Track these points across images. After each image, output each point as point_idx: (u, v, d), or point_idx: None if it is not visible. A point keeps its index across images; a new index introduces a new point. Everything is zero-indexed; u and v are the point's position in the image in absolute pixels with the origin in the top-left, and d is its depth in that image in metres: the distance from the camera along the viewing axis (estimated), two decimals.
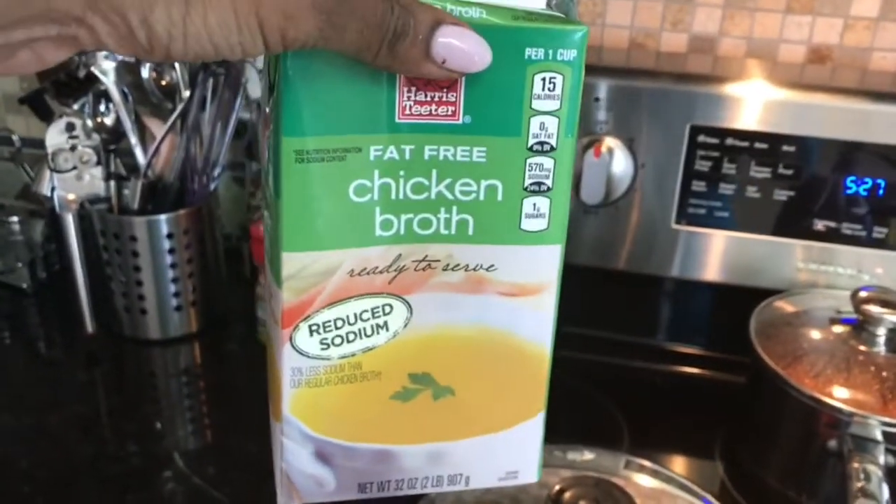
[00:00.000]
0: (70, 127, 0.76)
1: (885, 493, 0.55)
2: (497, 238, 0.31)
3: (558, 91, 0.29)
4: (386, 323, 0.32)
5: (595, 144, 0.73)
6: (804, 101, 0.72)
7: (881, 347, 0.63)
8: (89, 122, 0.77)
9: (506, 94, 0.29)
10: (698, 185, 0.75)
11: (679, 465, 0.71)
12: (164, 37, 0.24)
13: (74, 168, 0.77)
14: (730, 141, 0.73)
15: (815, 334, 0.66)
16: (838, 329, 0.66)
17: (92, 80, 0.76)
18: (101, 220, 0.79)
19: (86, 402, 0.77)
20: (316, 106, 0.28)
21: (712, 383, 0.81)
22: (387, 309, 0.31)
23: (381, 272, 0.31)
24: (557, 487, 0.41)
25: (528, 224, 0.31)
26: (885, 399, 0.59)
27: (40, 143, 0.76)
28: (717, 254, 0.77)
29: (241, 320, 0.86)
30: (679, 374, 0.83)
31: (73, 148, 0.76)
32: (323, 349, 0.31)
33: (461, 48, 0.27)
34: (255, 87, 0.81)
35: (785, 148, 0.72)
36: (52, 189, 0.77)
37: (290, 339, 0.31)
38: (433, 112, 0.29)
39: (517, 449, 0.35)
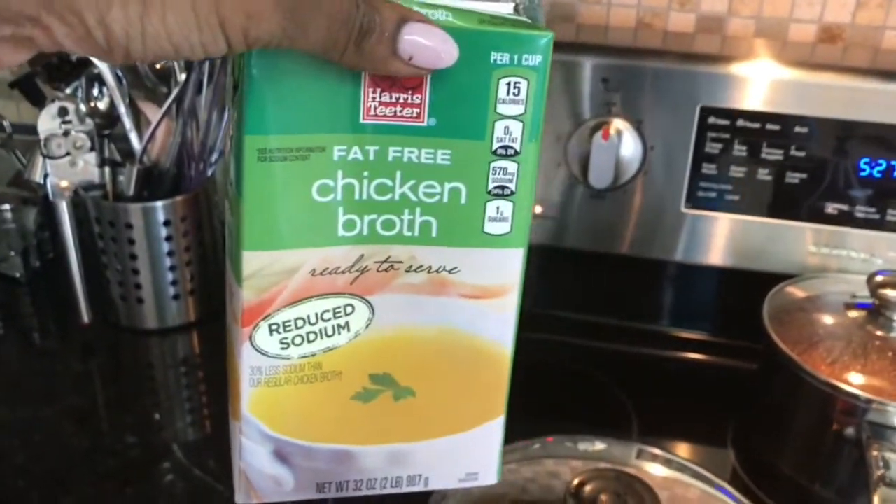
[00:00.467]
0: (63, 112, 0.74)
1: None
2: (460, 241, 0.31)
3: (523, 96, 0.29)
4: (347, 323, 0.32)
5: (603, 127, 0.72)
6: (816, 82, 0.71)
7: None
8: (82, 107, 0.75)
9: (471, 97, 0.29)
10: (708, 168, 0.73)
11: (689, 452, 0.70)
12: (121, 37, 0.24)
13: (68, 154, 0.75)
14: (741, 122, 0.72)
15: (830, 320, 0.65)
16: (854, 314, 0.64)
17: (85, 63, 0.74)
18: (96, 208, 0.78)
19: (82, 394, 0.75)
20: (280, 105, 0.28)
21: (721, 369, 0.80)
22: (348, 309, 0.31)
23: (343, 272, 0.31)
24: (577, 481, 0.40)
25: (492, 227, 0.31)
26: None
27: (32, 129, 0.74)
28: (726, 237, 0.76)
29: None
30: (687, 360, 0.81)
31: (66, 133, 0.75)
32: (283, 348, 0.31)
33: (428, 45, 0.27)
34: None
35: (797, 129, 0.71)
36: (45, 176, 0.75)
37: (250, 338, 0.31)
38: (398, 114, 0.29)
39: (477, 451, 0.35)
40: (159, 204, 0.77)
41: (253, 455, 0.33)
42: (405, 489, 0.35)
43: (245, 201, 0.29)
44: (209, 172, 0.80)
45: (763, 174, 0.73)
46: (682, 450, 0.70)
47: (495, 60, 0.28)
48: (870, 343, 0.61)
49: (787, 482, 0.66)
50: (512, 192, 0.31)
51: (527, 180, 0.31)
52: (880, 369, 0.59)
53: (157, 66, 0.78)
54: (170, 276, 0.80)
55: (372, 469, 0.34)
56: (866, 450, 0.56)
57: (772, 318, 0.66)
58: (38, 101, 0.76)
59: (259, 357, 0.31)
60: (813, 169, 0.72)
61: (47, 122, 0.74)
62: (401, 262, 0.31)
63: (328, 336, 0.31)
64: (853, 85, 0.71)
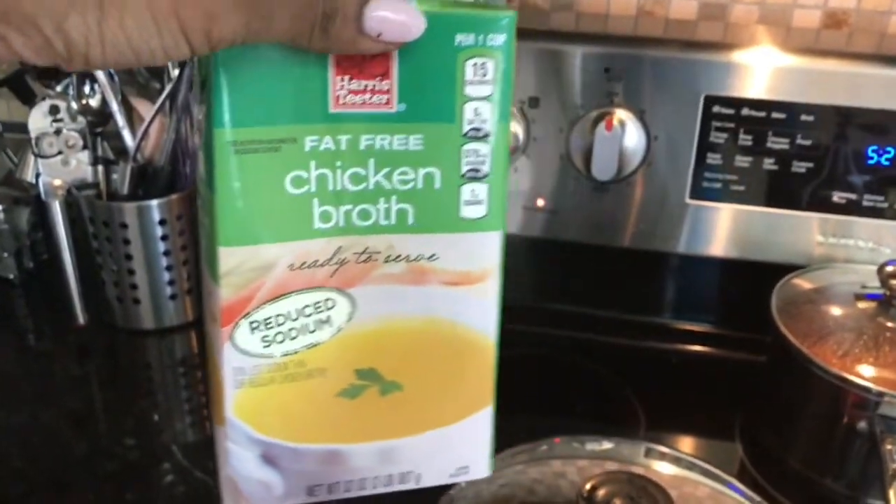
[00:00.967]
0: (54, 110, 0.73)
1: None
2: (437, 227, 0.31)
3: (490, 76, 0.29)
4: (329, 318, 0.31)
5: (606, 117, 0.70)
6: (822, 69, 0.70)
7: None
8: (74, 105, 0.74)
9: (439, 80, 0.29)
10: (713, 158, 0.72)
11: (697, 447, 0.69)
12: (80, 44, 0.24)
13: (60, 153, 0.74)
14: (745, 111, 0.70)
15: (840, 311, 0.64)
16: (864, 305, 0.63)
17: None
18: (90, 207, 0.76)
19: (79, 397, 0.74)
20: (248, 97, 0.28)
21: (727, 362, 0.79)
22: (329, 303, 0.31)
23: (321, 265, 0.30)
24: (589, 485, 0.39)
25: (468, 211, 0.31)
26: None
27: (23, 128, 0.73)
28: (731, 228, 0.75)
29: None
30: (692, 353, 0.80)
31: (57, 132, 0.73)
32: (265, 347, 0.31)
33: (395, 19, 0.27)
34: None
35: (803, 117, 0.70)
36: (37, 175, 0.74)
37: (231, 337, 0.30)
38: (367, 101, 0.29)
39: (467, 443, 0.34)
40: (154, 203, 0.76)
41: (240, 460, 0.32)
42: (397, 487, 0.34)
43: (218, 196, 0.29)
44: None
45: (769, 164, 0.72)
46: (690, 445, 0.69)
47: (460, 43, 0.29)
48: (881, 334, 0.60)
49: (796, 477, 0.65)
50: (486, 175, 0.31)
51: (500, 161, 0.31)
52: (893, 361, 0.58)
53: None
54: (166, 276, 0.78)
55: (362, 468, 0.34)
56: (880, 443, 0.55)
57: (780, 310, 0.64)
58: (29, 100, 0.75)
59: (241, 357, 0.31)
60: (819, 158, 0.71)
61: (38, 120, 0.73)
62: (379, 251, 0.31)
63: (310, 332, 0.31)
64: (859, 71, 0.69)
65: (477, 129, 0.30)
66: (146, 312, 0.79)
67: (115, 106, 0.75)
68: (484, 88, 0.29)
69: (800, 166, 0.71)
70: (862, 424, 0.58)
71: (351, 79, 0.28)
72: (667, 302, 0.83)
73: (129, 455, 0.66)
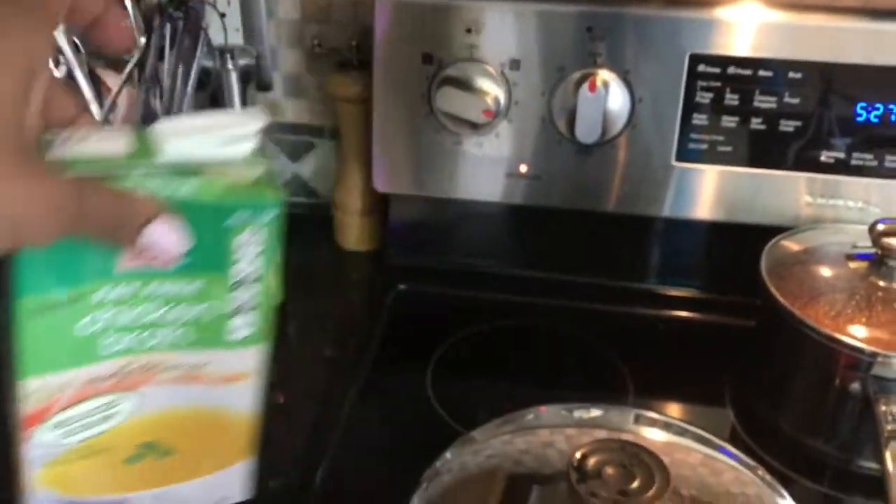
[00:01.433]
0: None
1: None
2: (210, 345, 0.37)
3: (259, 240, 0.35)
4: (117, 412, 0.37)
5: (589, 78, 0.68)
6: (809, 24, 0.68)
7: None
8: None
9: (216, 245, 0.34)
10: (699, 119, 0.70)
11: (687, 413, 0.68)
12: None
13: None
14: (731, 70, 0.69)
15: (830, 272, 0.63)
16: (855, 265, 0.62)
17: None
18: None
19: None
20: (46, 268, 0.32)
21: (715, 327, 0.77)
22: (117, 403, 0.37)
23: (110, 378, 0.36)
24: (579, 454, 0.37)
25: (235, 335, 0.37)
26: None
27: None
28: (718, 190, 0.73)
29: None
30: (680, 318, 0.79)
31: None
32: (63, 438, 0.36)
33: (160, 243, 0.32)
34: (216, 33, 0.76)
35: (791, 75, 0.68)
36: None
37: (33, 436, 0.35)
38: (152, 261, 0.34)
39: (228, 484, 0.42)
40: None
41: None
42: None
43: (21, 346, 0.33)
44: None
45: (755, 123, 0.70)
46: (680, 411, 0.68)
47: (235, 222, 0.34)
48: (873, 294, 0.59)
49: (789, 440, 0.64)
50: (252, 308, 0.37)
51: (266, 296, 0.37)
52: (885, 321, 0.57)
53: None
54: None
55: None
56: (874, 405, 0.54)
57: (770, 272, 0.63)
58: None
59: (41, 448, 0.36)
60: (807, 116, 0.69)
61: None
62: (160, 363, 0.37)
63: (101, 424, 0.37)
64: (847, 26, 0.68)
65: (245, 277, 0.36)
66: None
67: (81, 78, 0.72)
68: (253, 250, 0.35)
69: (787, 125, 0.70)
70: (855, 386, 0.57)
71: None
72: (653, 266, 0.81)
73: None
